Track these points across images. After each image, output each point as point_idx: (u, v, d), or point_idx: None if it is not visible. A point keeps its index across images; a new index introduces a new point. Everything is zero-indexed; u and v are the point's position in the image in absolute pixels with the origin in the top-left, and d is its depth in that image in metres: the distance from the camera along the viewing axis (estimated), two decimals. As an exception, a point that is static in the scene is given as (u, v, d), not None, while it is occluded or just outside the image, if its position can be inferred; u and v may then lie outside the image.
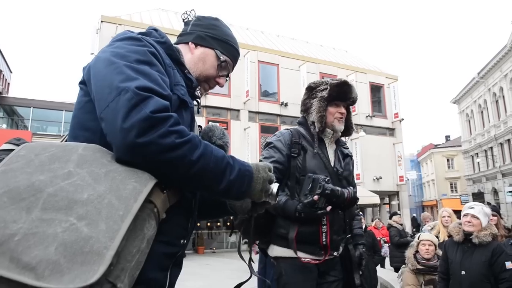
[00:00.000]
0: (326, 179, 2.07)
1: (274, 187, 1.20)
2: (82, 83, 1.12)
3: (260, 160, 2.26)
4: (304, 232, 2.09)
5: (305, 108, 2.37)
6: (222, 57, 1.37)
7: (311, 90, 2.36)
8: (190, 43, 1.37)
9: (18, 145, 0.97)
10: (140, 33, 1.24)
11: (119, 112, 0.91)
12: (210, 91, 1.50)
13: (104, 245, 0.77)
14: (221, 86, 1.46)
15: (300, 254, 2.08)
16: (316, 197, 2.00)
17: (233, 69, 1.46)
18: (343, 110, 2.34)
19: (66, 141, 1.15)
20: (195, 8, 1.46)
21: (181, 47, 1.36)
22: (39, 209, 0.78)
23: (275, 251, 2.18)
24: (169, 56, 1.23)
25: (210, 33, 1.37)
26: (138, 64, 1.03)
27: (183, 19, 1.42)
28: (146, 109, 0.91)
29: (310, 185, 2.06)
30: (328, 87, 2.27)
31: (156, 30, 1.29)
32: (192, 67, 1.33)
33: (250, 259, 1.36)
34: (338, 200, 2.09)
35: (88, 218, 0.79)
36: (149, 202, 0.93)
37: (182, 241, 1.17)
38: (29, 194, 0.80)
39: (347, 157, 2.41)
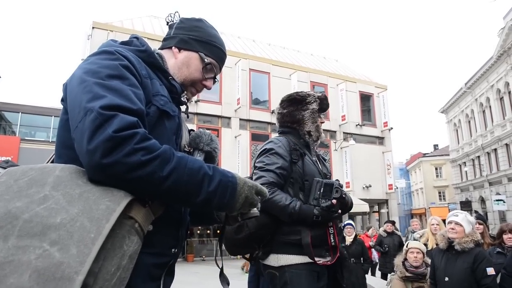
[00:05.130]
0: (340, 184, 2.17)
1: (254, 213, 1.19)
2: (63, 100, 1.11)
3: (257, 167, 2.25)
4: (315, 236, 2.13)
5: (295, 119, 2.41)
6: (207, 60, 1.34)
7: (299, 102, 2.43)
8: (173, 47, 1.34)
9: (5, 168, 0.96)
10: (122, 42, 1.24)
11: (85, 134, 0.91)
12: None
13: (75, 270, 0.77)
14: (209, 88, 1.42)
15: (316, 258, 2.11)
16: (334, 201, 2.09)
17: (220, 70, 1.42)
18: (323, 120, 2.54)
19: (53, 159, 1.15)
20: (187, 15, 1.44)
21: (164, 52, 1.34)
22: (15, 237, 0.79)
23: (282, 259, 2.11)
24: (150, 64, 1.22)
25: (193, 36, 1.34)
26: (109, 79, 1.01)
27: (167, 22, 1.40)
28: (109, 129, 0.90)
29: (321, 189, 2.13)
30: (318, 100, 2.43)
31: (137, 38, 1.27)
32: (176, 73, 1.31)
33: (222, 270, 1.34)
34: (346, 204, 2.22)
35: (60, 243, 0.79)
36: (129, 218, 0.92)
37: (173, 250, 1.16)
38: (6, 222, 0.80)
39: (325, 161, 2.54)
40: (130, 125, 0.93)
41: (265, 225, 2.10)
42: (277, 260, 2.13)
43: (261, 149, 2.33)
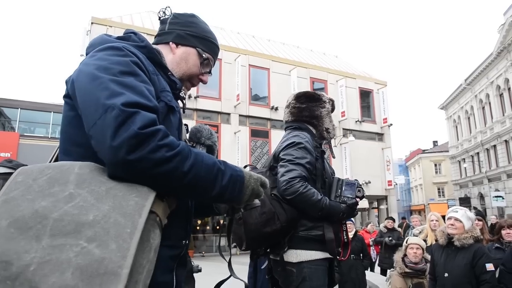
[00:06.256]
0: (360, 183, 2.27)
1: (256, 203, 1.23)
2: (67, 96, 1.10)
3: (285, 159, 2.21)
4: (334, 232, 2.17)
5: (314, 115, 2.44)
6: (204, 55, 1.38)
7: (316, 100, 2.49)
8: (170, 43, 1.35)
9: (10, 167, 0.95)
10: (119, 37, 1.23)
11: (107, 130, 0.91)
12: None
13: (118, 264, 0.79)
14: (205, 83, 1.45)
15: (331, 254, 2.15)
16: (358, 199, 2.22)
17: (214, 64, 1.46)
18: None
19: (56, 156, 1.15)
20: (187, 11, 1.45)
21: (161, 47, 1.34)
22: (48, 236, 0.79)
23: (301, 255, 2.10)
24: (150, 59, 1.22)
25: (190, 31, 1.36)
26: (122, 76, 1.01)
27: (159, 17, 1.40)
28: (133, 126, 0.91)
29: (343, 188, 2.23)
30: (331, 102, 2.53)
31: (135, 33, 1.26)
32: (175, 68, 1.33)
33: (230, 260, 1.38)
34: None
35: (98, 240, 0.80)
36: (151, 212, 0.94)
37: (183, 241, 1.20)
38: (35, 222, 0.80)
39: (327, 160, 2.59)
40: (152, 122, 0.95)
41: (293, 219, 2.10)
42: (296, 256, 2.10)
43: (288, 142, 2.28)
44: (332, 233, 2.12)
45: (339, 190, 2.22)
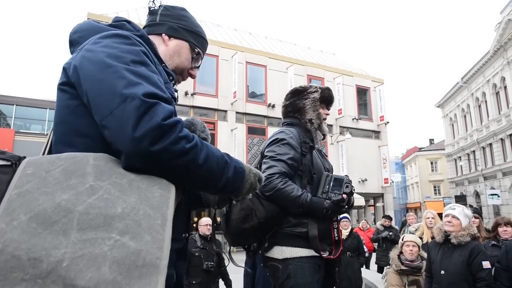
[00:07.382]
0: (350, 179, 2.20)
1: (248, 195, 1.25)
2: (67, 84, 1.03)
3: (268, 156, 2.21)
4: (321, 230, 2.12)
5: (297, 108, 2.42)
6: (196, 50, 1.38)
7: (300, 93, 2.46)
8: (163, 34, 1.32)
9: (5, 159, 0.87)
10: (110, 25, 1.18)
11: (128, 121, 0.88)
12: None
13: (156, 256, 0.78)
14: (194, 77, 1.45)
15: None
16: (345, 196, 2.13)
17: (202, 59, 1.47)
18: (328, 112, 2.51)
19: (51, 147, 1.09)
20: (187, 8, 1.42)
21: (153, 38, 1.29)
22: (76, 230, 0.75)
23: (286, 252, 2.08)
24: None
25: (182, 25, 1.35)
26: (135, 65, 0.98)
27: (149, 8, 1.38)
28: (156, 117, 0.90)
29: (331, 184, 2.16)
30: (319, 90, 2.45)
31: (128, 21, 1.21)
32: (168, 60, 1.31)
33: (230, 250, 1.39)
34: (350, 200, 2.25)
35: (130, 232, 0.79)
36: None
37: (183, 235, 1.22)
38: (59, 216, 0.76)
39: (326, 156, 2.55)
40: (171, 113, 0.95)
41: (274, 216, 2.07)
42: (281, 252, 2.10)
43: (272, 139, 2.29)
44: (317, 230, 2.08)
45: (327, 186, 2.17)
